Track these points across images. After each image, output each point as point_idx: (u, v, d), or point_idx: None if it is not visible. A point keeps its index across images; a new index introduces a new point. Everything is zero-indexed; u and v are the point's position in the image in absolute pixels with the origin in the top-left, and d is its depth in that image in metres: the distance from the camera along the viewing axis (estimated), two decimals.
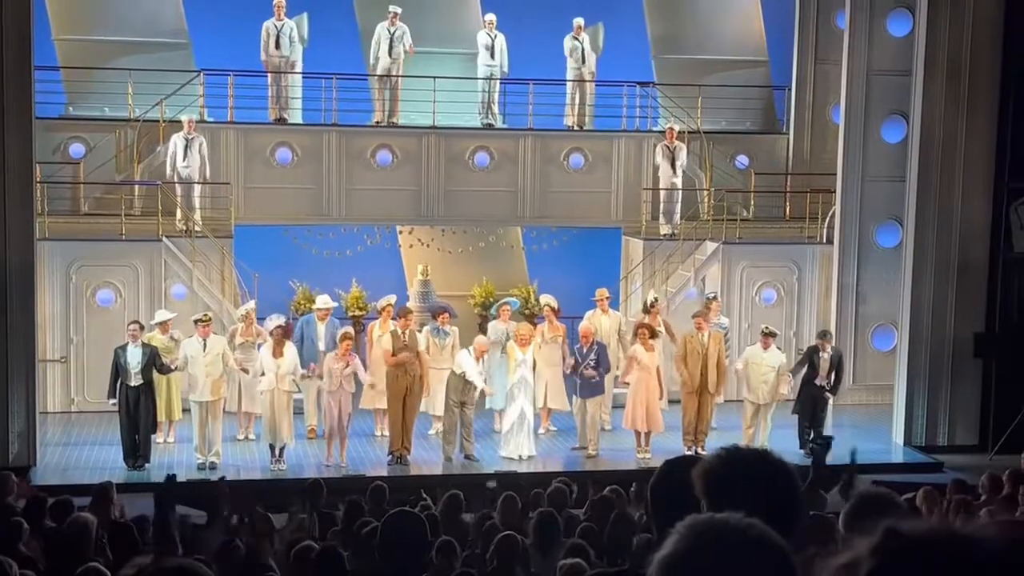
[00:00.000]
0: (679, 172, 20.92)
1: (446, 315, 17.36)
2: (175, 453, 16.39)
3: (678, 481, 3.31)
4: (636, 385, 16.46)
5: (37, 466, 15.79)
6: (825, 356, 16.95)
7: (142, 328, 16.10)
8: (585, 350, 16.35)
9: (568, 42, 21.87)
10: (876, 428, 18.58)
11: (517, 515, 11.19)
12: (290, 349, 15.96)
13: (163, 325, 16.65)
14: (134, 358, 15.62)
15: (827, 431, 17.12)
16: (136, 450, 15.64)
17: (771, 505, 2.91)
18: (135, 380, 15.61)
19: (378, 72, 21.41)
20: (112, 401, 15.75)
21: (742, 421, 17.11)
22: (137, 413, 15.65)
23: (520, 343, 16.45)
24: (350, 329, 16.39)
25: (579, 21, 21.89)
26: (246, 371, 16.32)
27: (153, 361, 15.72)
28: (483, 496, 13.28)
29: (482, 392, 17.17)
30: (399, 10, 21.39)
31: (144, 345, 15.78)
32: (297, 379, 16.11)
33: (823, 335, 17.44)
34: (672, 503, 3.27)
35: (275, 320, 16.07)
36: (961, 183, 17.57)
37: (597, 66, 22.21)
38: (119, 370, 15.66)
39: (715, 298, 18.48)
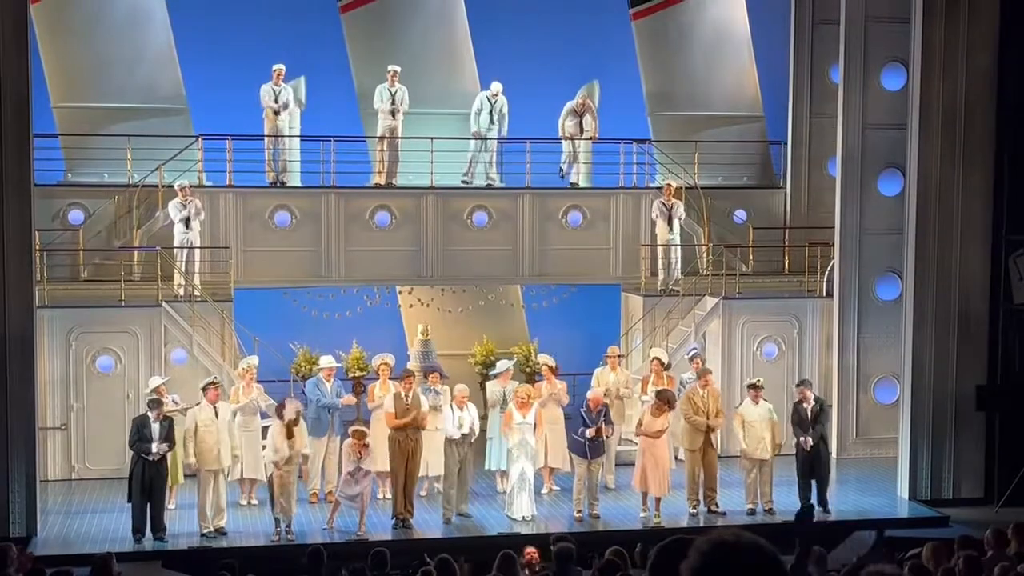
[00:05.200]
0: (675, 229, 20.95)
1: (436, 375, 17.33)
2: (177, 520, 16.23)
3: (675, 567, 3.24)
4: (646, 448, 16.38)
5: (38, 536, 15.67)
6: (806, 407, 16.82)
7: (161, 404, 15.76)
8: (594, 415, 16.30)
9: (568, 111, 21.90)
10: (880, 482, 18.51)
11: (516, 573, 11.09)
12: (302, 432, 15.79)
13: (158, 391, 16.46)
14: (156, 433, 15.41)
15: (832, 485, 17.01)
16: (145, 525, 15.39)
17: None
18: (155, 456, 15.38)
19: (379, 132, 21.51)
20: (155, 454, 15.36)
21: (743, 475, 17.04)
22: (153, 487, 15.42)
23: (520, 406, 16.40)
24: (364, 429, 16.16)
25: (584, 98, 21.92)
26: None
27: (169, 436, 15.56)
28: (481, 558, 13.17)
29: (484, 451, 17.11)
30: (398, 68, 21.51)
31: (164, 419, 15.57)
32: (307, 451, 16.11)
33: (800, 384, 17.37)
34: None
35: (293, 406, 15.83)
36: (959, 235, 17.58)
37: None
38: (141, 441, 15.33)
39: (697, 355, 18.42)
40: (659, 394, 16.57)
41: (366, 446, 15.56)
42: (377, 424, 16.83)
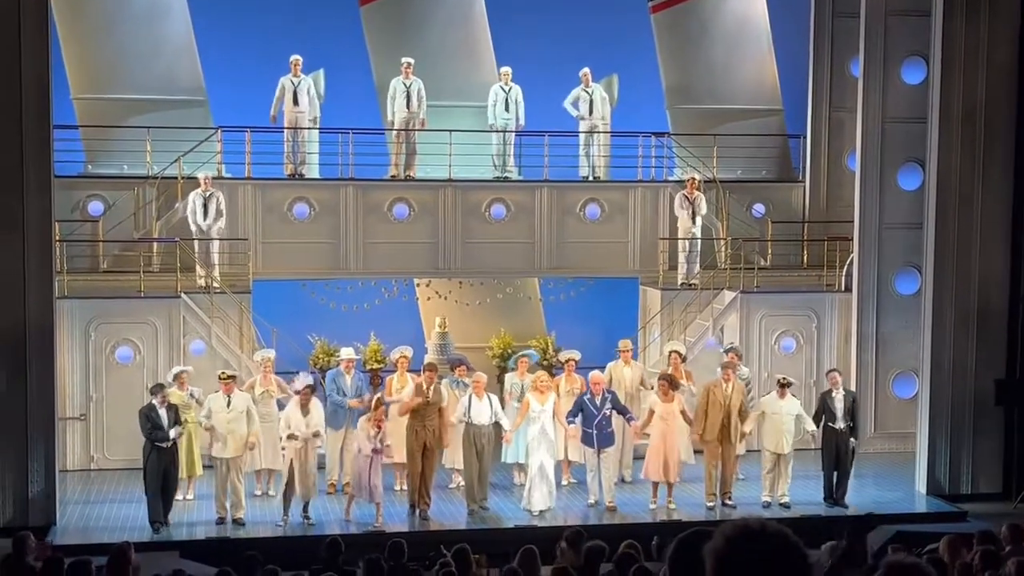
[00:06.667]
0: (698, 223, 20.91)
1: (463, 368, 17.35)
2: (195, 511, 16.31)
3: (694, 560, 3.24)
4: (654, 436, 16.36)
5: (57, 525, 15.77)
6: (837, 396, 16.78)
7: (164, 388, 15.94)
8: (599, 401, 16.24)
9: (577, 93, 21.90)
10: (898, 476, 18.48)
11: (537, 569, 11.10)
12: (316, 406, 15.92)
13: (179, 379, 16.57)
14: (165, 418, 15.50)
15: (850, 479, 16.96)
16: (161, 514, 15.50)
17: None
18: (171, 441, 15.49)
19: (396, 125, 21.52)
20: (171, 440, 15.48)
21: (761, 470, 16.99)
22: (167, 477, 15.53)
23: (539, 390, 16.35)
24: (384, 395, 16.25)
25: (586, 71, 21.94)
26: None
27: (177, 420, 15.67)
28: (501, 550, 13.18)
29: (500, 443, 17.07)
30: (412, 61, 21.52)
31: (169, 406, 15.67)
32: (323, 434, 16.12)
33: (831, 371, 17.32)
34: None
35: (303, 379, 16.00)
36: (979, 230, 17.52)
37: (612, 116, 22.29)
38: (155, 429, 15.42)
39: (733, 349, 18.31)
40: (660, 378, 16.60)
41: (382, 419, 15.59)
42: (395, 417, 16.84)
